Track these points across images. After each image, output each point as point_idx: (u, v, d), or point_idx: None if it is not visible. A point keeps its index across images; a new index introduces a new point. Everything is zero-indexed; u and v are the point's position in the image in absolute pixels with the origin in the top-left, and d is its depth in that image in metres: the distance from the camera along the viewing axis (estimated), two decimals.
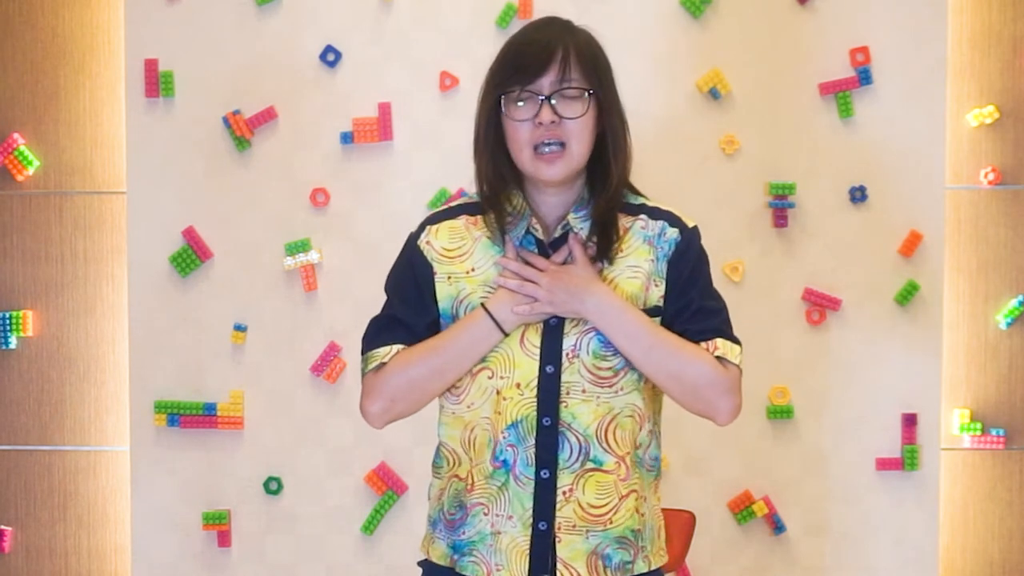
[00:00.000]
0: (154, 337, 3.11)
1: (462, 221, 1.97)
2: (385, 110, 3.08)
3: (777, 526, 3.10)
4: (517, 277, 1.89)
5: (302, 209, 3.10)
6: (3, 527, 3.24)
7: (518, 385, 1.89)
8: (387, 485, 3.11)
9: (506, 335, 1.89)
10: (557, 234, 1.93)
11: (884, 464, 3.09)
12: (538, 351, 1.89)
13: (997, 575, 3.22)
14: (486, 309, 1.89)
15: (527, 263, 1.91)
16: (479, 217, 1.96)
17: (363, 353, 1.97)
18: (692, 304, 1.92)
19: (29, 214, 3.23)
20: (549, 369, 1.88)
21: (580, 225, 1.92)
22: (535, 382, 1.88)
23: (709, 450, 3.10)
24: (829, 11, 3.07)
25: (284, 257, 3.10)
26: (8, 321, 3.19)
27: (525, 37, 1.91)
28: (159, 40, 3.09)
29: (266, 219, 3.10)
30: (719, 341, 1.92)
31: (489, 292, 1.91)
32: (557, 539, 1.88)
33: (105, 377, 3.22)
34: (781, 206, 3.07)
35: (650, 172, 3.00)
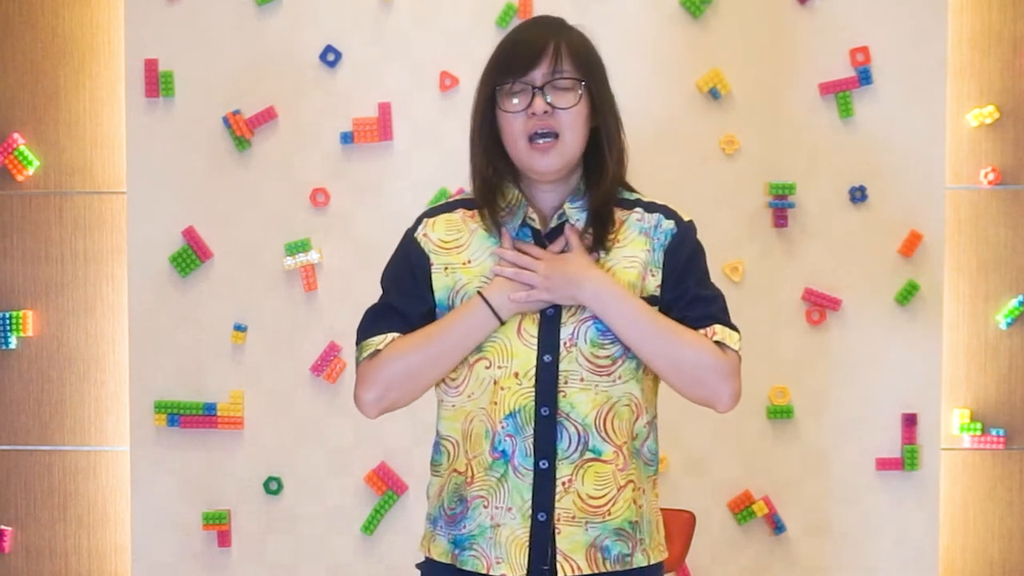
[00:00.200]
0: (154, 337, 3.11)
1: (459, 214, 1.99)
2: (385, 110, 3.08)
3: (777, 526, 3.10)
4: (514, 266, 1.91)
5: (302, 209, 3.10)
6: (3, 527, 3.24)
7: (516, 375, 1.89)
8: (387, 485, 3.11)
9: (502, 323, 1.89)
10: (553, 224, 1.95)
11: (884, 464, 3.09)
12: (535, 340, 1.89)
13: (997, 575, 3.22)
14: (482, 296, 1.90)
15: (524, 253, 1.92)
16: (476, 211, 1.98)
17: (358, 343, 1.97)
18: (689, 292, 1.93)
19: (29, 214, 3.23)
20: (547, 358, 1.89)
21: (577, 216, 1.94)
22: (533, 371, 1.88)
23: (709, 450, 3.10)
24: (829, 11, 3.07)
25: (284, 257, 3.10)
26: (8, 321, 3.19)
27: (518, 35, 1.94)
28: (159, 40, 3.09)
29: (266, 219, 3.10)
30: (717, 327, 1.93)
31: (486, 282, 1.92)
32: (556, 530, 1.88)
33: (105, 377, 3.22)
34: (781, 206, 3.07)
35: (650, 172, 3.01)
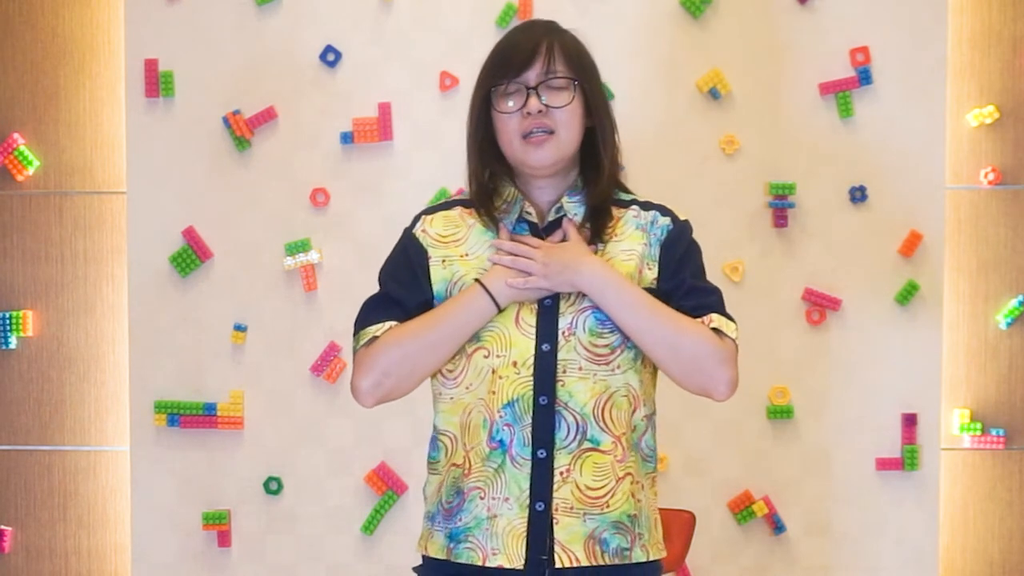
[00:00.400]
0: (154, 337, 3.11)
1: (457, 211, 2.01)
2: (385, 110, 3.08)
3: (777, 526, 3.10)
4: (511, 255, 1.92)
5: (302, 209, 3.10)
6: (3, 527, 3.24)
7: (514, 364, 1.89)
8: (387, 485, 3.11)
9: (500, 309, 1.90)
10: (551, 218, 1.97)
11: (884, 464, 3.09)
12: (534, 330, 1.90)
13: (997, 575, 3.22)
14: (480, 283, 1.90)
15: (522, 244, 1.94)
16: (473, 209, 2.00)
17: (355, 332, 1.97)
18: (685, 283, 1.94)
19: (29, 214, 3.23)
20: (545, 347, 1.89)
21: (575, 210, 1.96)
22: (531, 360, 1.89)
23: (709, 450, 3.10)
24: (829, 11, 3.07)
25: (284, 257, 3.10)
26: (8, 321, 3.19)
27: (511, 37, 1.97)
28: (159, 40, 3.09)
29: (266, 219, 3.10)
30: (714, 316, 1.94)
31: (484, 273, 1.94)
32: (555, 520, 1.88)
33: (105, 377, 3.22)
34: (781, 206, 3.07)
35: (650, 172, 3.02)
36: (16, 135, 3.20)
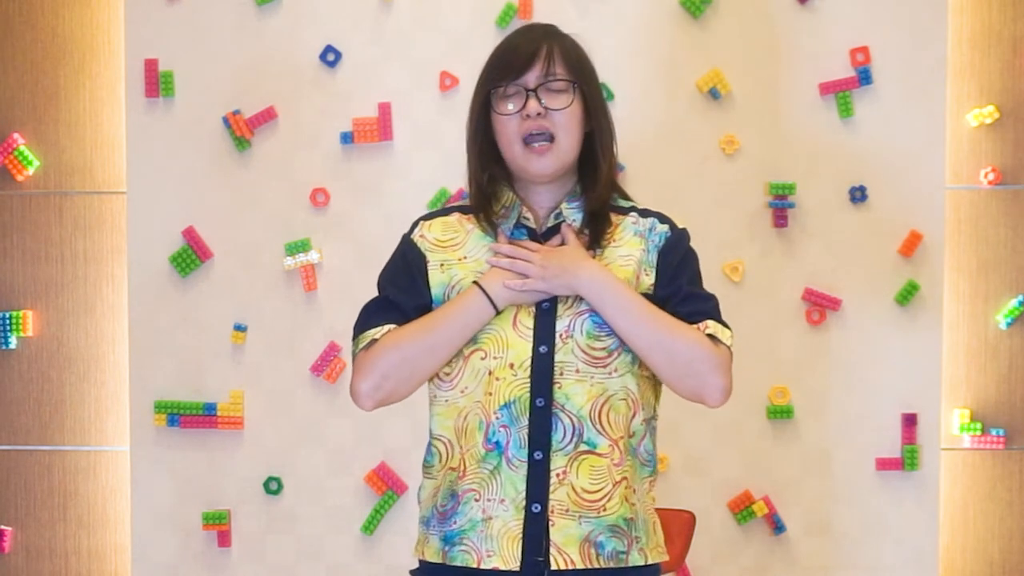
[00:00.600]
0: (154, 337, 3.11)
1: (455, 217, 2.02)
2: (385, 110, 3.08)
3: (777, 526, 3.10)
4: (510, 258, 1.93)
5: (302, 209, 3.10)
6: (3, 527, 3.24)
7: (511, 365, 1.89)
8: (387, 485, 3.11)
9: (498, 311, 1.90)
10: (550, 224, 1.97)
11: (884, 464, 3.09)
12: (531, 332, 1.90)
13: (997, 575, 3.22)
14: (478, 285, 1.91)
15: (520, 247, 1.94)
16: (472, 215, 2.00)
17: (355, 336, 1.98)
18: (682, 290, 1.95)
19: (29, 214, 3.23)
20: (543, 349, 1.89)
21: (573, 216, 1.96)
22: (528, 362, 1.89)
23: (709, 450, 3.10)
24: (829, 11, 3.07)
25: (284, 257, 3.10)
26: (8, 321, 3.19)
27: (511, 40, 1.97)
28: (159, 40, 3.09)
29: (266, 219, 3.10)
30: (710, 322, 1.94)
31: (482, 274, 1.94)
32: (550, 522, 1.88)
33: (105, 377, 3.22)
34: (781, 206, 3.07)
35: (650, 172, 3.02)
36: (16, 135, 3.20)
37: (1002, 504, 3.20)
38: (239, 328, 3.11)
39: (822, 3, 3.07)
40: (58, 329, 3.22)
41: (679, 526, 2.43)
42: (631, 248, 1.96)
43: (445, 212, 2.04)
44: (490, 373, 1.90)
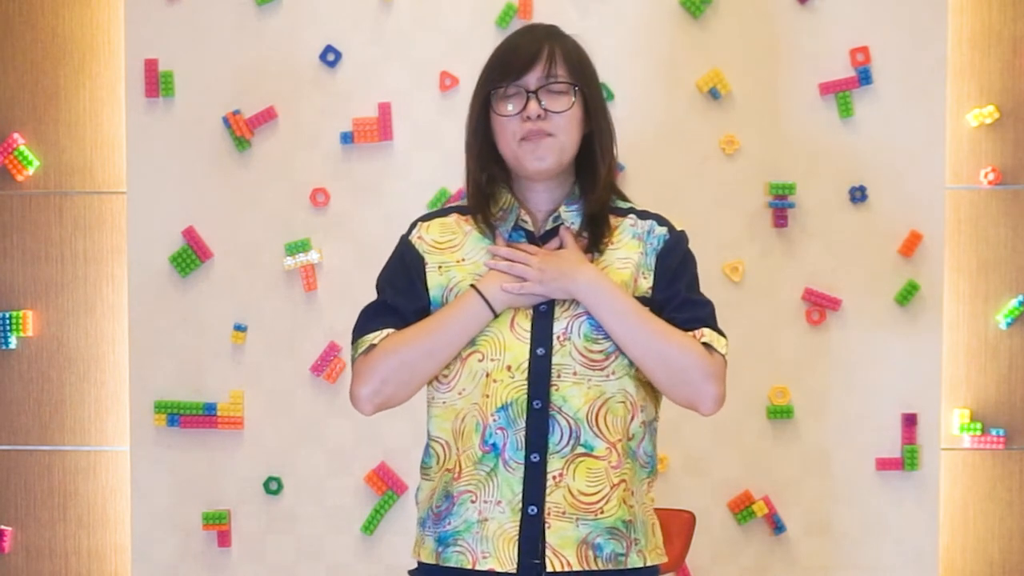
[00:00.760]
0: (154, 337, 3.11)
1: (453, 218, 2.01)
2: (385, 110, 3.08)
3: (777, 526, 3.10)
4: (507, 261, 1.92)
5: (302, 209, 3.10)
6: (3, 527, 3.24)
7: (509, 368, 1.89)
8: (387, 485, 3.11)
9: (496, 315, 1.90)
10: (548, 227, 1.96)
11: (884, 464, 3.09)
12: (529, 334, 1.90)
13: (997, 575, 3.22)
14: (475, 288, 1.90)
15: (518, 250, 1.94)
16: (470, 216, 2.00)
17: (353, 341, 1.98)
18: (679, 295, 1.94)
19: (29, 214, 3.23)
20: (540, 351, 1.89)
21: (572, 219, 1.96)
22: (526, 364, 1.89)
23: (709, 450, 3.10)
24: (829, 11, 3.07)
25: (284, 257, 3.10)
26: (8, 321, 3.19)
27: (512, 40, 1.97)
28: (159, 40, 3.09)
29: (266, 219, 3.10)
30: (706, 330, 1.94)
31: (480, 277, 1.94)
32: (547, 525, 1.88)
33: (105, 377, 3.22)
34: (781, 206, 3.07)
35: (650, 172, 3.02)
36: (16, 135, 3.20)
37: (1002, 504, 3.20)
38: (239, 328, 3.11)
39: (822, 3, 3.07)
40: (58, 329, 3.22)
41: (679, 526, 2.43)
42: (629, 251, 1.95)
43: (443, 213, 2.03)
44: (487, 375, 1.90)
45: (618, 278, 1.92)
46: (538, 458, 1.88)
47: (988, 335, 3.18)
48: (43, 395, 3.24)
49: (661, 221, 1.99)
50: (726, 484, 3.11)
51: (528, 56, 1.91)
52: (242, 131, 3.08)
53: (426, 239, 1.99)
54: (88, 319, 3.22)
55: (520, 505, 1.88)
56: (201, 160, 3.10)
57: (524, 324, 1.91)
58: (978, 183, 3.17)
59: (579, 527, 1.88)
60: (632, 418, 1.93)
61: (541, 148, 1.91)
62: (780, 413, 3.09)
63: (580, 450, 1.89)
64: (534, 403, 1.88)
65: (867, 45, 3.06)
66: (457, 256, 1.97)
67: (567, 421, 1.89)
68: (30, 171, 3.20)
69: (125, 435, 3.18)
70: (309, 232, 3.10)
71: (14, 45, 3.21)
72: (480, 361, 1.91)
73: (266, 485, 3.12)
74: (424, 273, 1.97)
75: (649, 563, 1.95)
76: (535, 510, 1.87)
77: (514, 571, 1.87)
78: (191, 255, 3.10)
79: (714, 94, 3.07)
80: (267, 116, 3.08)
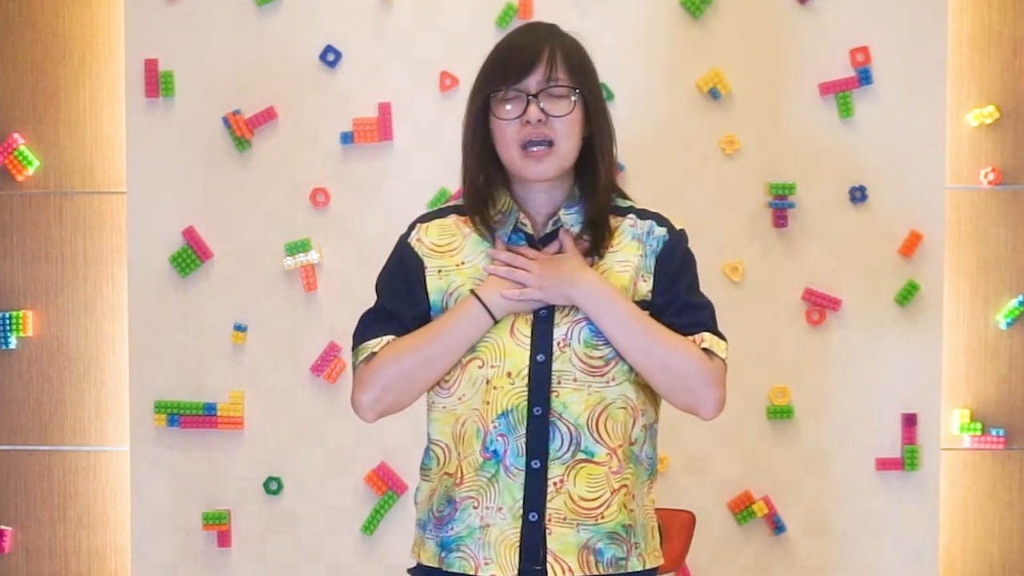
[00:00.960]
0: (154, 337, 3.11)
1: (452, 219, 1.99)
2: (385, 110, 3.08)
3: (777, 526, 3.10)
4: (507, 266, 1.91)
5: (302, 209, 3.10)
6: (3, 527, 3.24)
7: (509, 374, 1.89)
8: (387, 485, 3.11)
9: (496, 321, 1.89)
10: (548, 230, 1.95)
11: (884, 464, 3.09)
12: (529, 340, 1.89)
13: (997, 575, 3.22)
14: (475, 295, 1.90)
15: (518, 254, 1.92)
16: (469, 217, 1.98)
17: (354, 347, 1.97)
18: (679, 299, 1.93)
19: (29, 214, 3.23)
20: (540, 358, 1.88)
21: (572, 222, 1.94)
22: (526, 371, 1.88)
23: (709, 450, 3.10)
24: (829, 11, 3.07)
25: (284, 257, 3.10)
26: (8, 321, 3.19)
27: (512, 40, 1.94)
28: (159, 40, 3.09)
29: (266, 219, 3.10)
30: (706, 335, 1.93)
31: (479, 283, 1.92)
32: (547, 531, 1.88)
33: (105, 377, 3.22)
34: (781, 206, 3.07)
35: (650, 172, 3.02)
36: (16, 135, 3.20)
37: (1002, 504, 3.20)
38: (239, 328, 3.11)
39: (822, 3, 3.07)
40: (58, 329, 3.22)
41: (679, 526, 2.43)
42: (628, 253, 1.94)
43: (442, 214, 2.01)
44: (488, 382, 1.90)
45: (618, 282, 1.91)
46: (539, 464, 1.88)
47: (988, 335, 3.18)
48: (43, 395, 3.24)
49: (660, 221, 1.98)
50: (726, 484, 3.11)
51: (528, 58, 1.89)
52: (242, 131, 3.08)
53: (425, 242, 1.98)
54: (88, 319, 3.22)
55: (521, 512, 1.88)
56: (201, 160, 3.10)
57: (524, 330, 1.90)
58: (978, 183, 3.17)
59: (580, 532, 1.89)
60: (633, 423, 1.93)
61: (543, 163, 1.89)
62: (780, 413, 3.09)
63: (581, 456, 1.89)
64: (534, 410, 1.88)
65: (867, 45, 3.06)
66: (457, 260, 1.96)
67: (567, 427, 1.88)
68: (30, 171, 3.20)
69: (125, 435, 3.18)
70: (309, 232, 3.10)
71: (14, 45, 3.21)
72: (480, 368, 1.90)
73: (266, 485, 3.12)
74: (423, 277, 1.96)
75: (648, 566, 1.95)
76: (535, 517, 1.87)
77: None
78: (191, 255, 3.10)
79: (714, 94, 3.07)
80: (267, 116, 3.08)
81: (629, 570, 1.92)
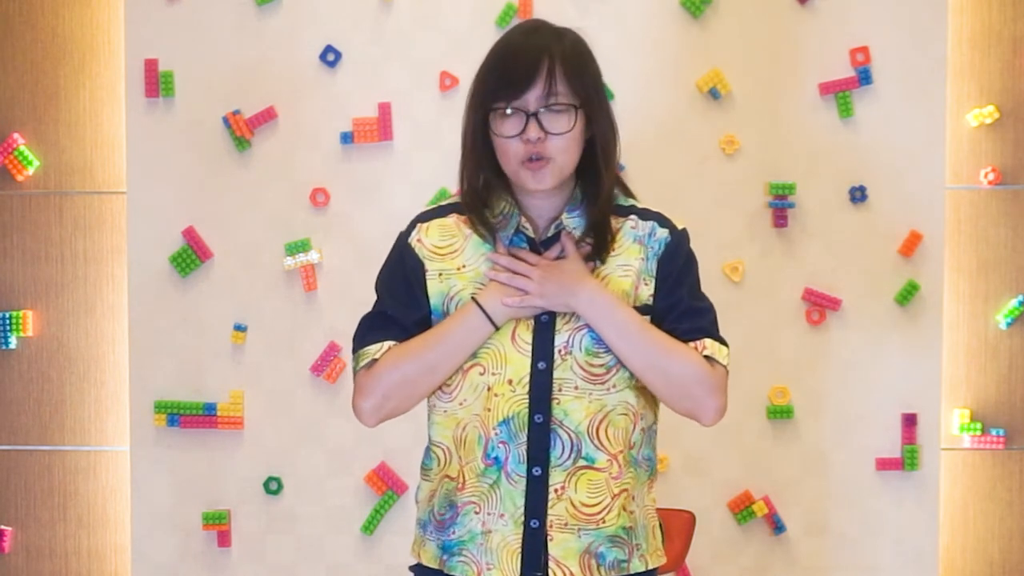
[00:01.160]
0: (154, 337, 3.11)
1: (452, 219, 1.97)
2: (385, 110, 3.08)
3: (777, 526, 3.10)
4: (508, 271, 1.89)
5: (302, 209, 3.10)
6: (3, 527, 3.24)
7: (510, 381, 1.88)
8: (387, 485, 3.11)
9: (496, 328, 1.88)
10: (550, 234, 1.93)
11: (884, 464, 3.09)
12: (530, 347, 1.88)
13: (997, 575, 3.22)
14: (476, 302, 1.89)
15: (519, 259, 1.91)
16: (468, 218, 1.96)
17: (354, 351, 1.96)
18: (681, 303, 1.92)
19: (29, 214, 3.23)
20: (541, 365, 1.88)
21: (574, 225, 1.92)
22: (527, 378, 1.88)
23: (709, 450, 3.10)
24: (829, 11, 3.07)
25: (284, 257, 3.10)
26: (8, 321, 3.19)
27: (510, 47, 1.89)
28: (159, 40, 3.09)
29: (266, 219, 3.10)
30: (707, 341, 1.92)
31: (480, 287, 1.91)
32: (549, 537, 1.88)
33: (105, 377, 3.22)
34: (781, 206, 3.07)
35: (650, 172, 3.02)
36: (16, 135, 3.20)
37: (1002, 504, 3.21)
38: (239, 328, 3.11)
39: (822, 3, 3.07)
40: (58, 329, 3.22)
41: (679, 526, 2.43)
42: (629, 257, 1.93)
43: (442, 213, 1.99)
44: (489, 389, 1.89)
45: (619, 287, 1.90)
46: (540, 471, 1.87)
47: (988, 335, 3.18)
48: (43, 395, 3.24)
49: (662, 222, 1.96)
50: (726, 484, 3.11)
51: (527, 72, 1.84)
52: (242, 131, 3.08)
53: (426, 243, 1.96)
54: (88, 319, 3.22)
55: (522, 518, 1.87)
56: (201, 160, 3.10)
57: (525, 336, 1.89)
58: (978, 183, 3.17)
59: (581, 537, 1.89)
60: (634, 428, 1.92)
61: (542, 173, 1.87)
62: (780, 413, 3.09)
63: (581, 463, 1.88)
64: (535, 417, 1.87)
65: (867, 45, 3.06)
66: (457, 263, 1.94)
67: (568, 435, 1.88)
68: (30, 171, 3.20)
69: (125, 435, 3.18)
70: (309, 232, 3.10)
71: (14, 45, 3.21)
72: (481, 374, 1.90)
73: (266, 485, 3.12)
74: (424, 280, 1.94)
75: (651, 566, 1.95)
76: (537, 523, 1.87)
77: None
78: (191, 255, 3.10)
79: (714, 94, 3.07)
80: (267, 116, 3.08)
81: (632, 572, 1.92)
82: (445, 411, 1.93)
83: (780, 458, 3.11)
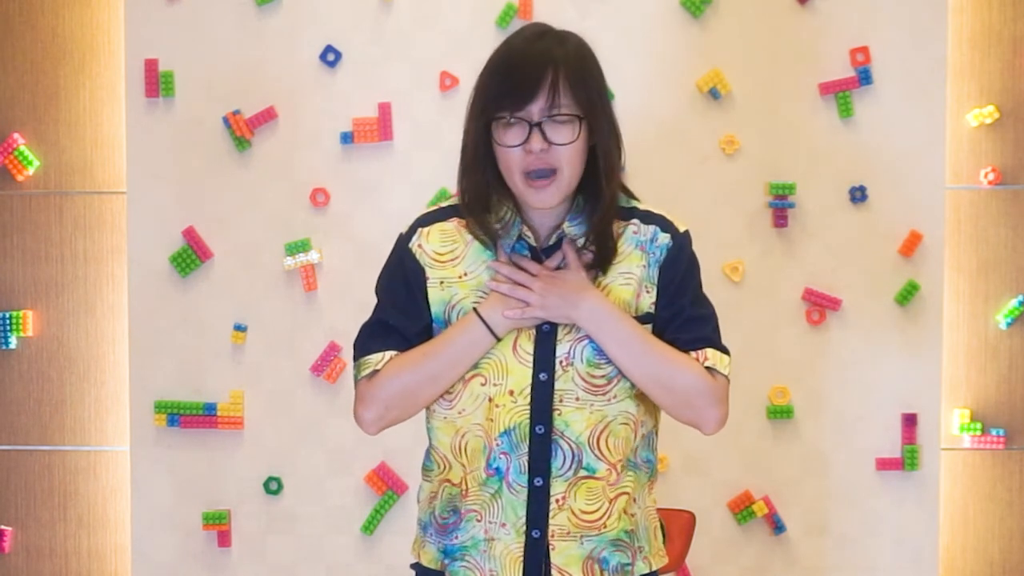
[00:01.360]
0: (154, 337, 3.11)
1: (453, 224, 1.95)
2: (385, 110, 3.08)
3: (777, 526, 3.10)
4: (509, 281, 1.88)
5: (302, 209, 3.10)
6: (3, 527, 3.24)
7: (511, 392, 1.88)
8: (387, 485, 3.11)
9: (498, 339, 1.88)
10: (551, 242, 1.92)
11: (884, 464, 3.09)
12: (531, 358, 1.88)
13: (997, 575, 3.22)
14: (478, 313, 1.88)
15: (520, 268, 1.89)
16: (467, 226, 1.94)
17: (355, 360, 1.96)
18: (683, 312, 1.91)
19: (29, 214, 3.23)
20: (543, 376, 1.87)
21: (576, 234, 1.91)
22: (528, 389, 1.87)
23: (709, 450, 3.10)
24: (829, 11, 3.07)
25: (284, 257, 3.10)
26: (8, 321, 3.19)
27: (513, 56, 1.86)
28: (159, 40, 3.09)
29: (266, 219, 3.10)
30: (709, 351, 1.91)
31: (482, 296, 1.90)
32: (551, 546, 1.88)
33: (105, 377, 3.22)
34: (781, 206, 3.07)
35: (650, 172, 3.02)
36: (16, 135, 3.20)
37: (1002, 504, 3.20)
38: (239, 328, 3.11)
39: (822, 3, 3.07)
40: (58, 329, 3.22)
41: (679, 526, 2.43)
42: (631, 264, 1.91)
43: (443, 216, 1.96)
44: (490, 399, 1.89)
45: (621, 295, 1.89)
46: (541, 482, 1.87)
47: (988, 335, 3.18)
48: (43, 395, 3.24)
49: (664, 226, 1.94)
50: (726, 484, 3.11)
51: (531, 82, 1.82)
52: (242, 131, 3.08)
53: (426, 249, 1.94)
54: (88, 319, 3.22)
55: (524, 528, 1.88)
56: (201, 160, 3.10)
57: (527, 347, 1.88)
58: (978, 183, 3.17)
59: (583, 544, 1.89)
60: (635, 435, 1.92)
61: (546, 191, 1.85)
62: (780, 413, 3.09)
63: (582, 473, 1.88)
64: (536, 428, 1.87)
65: (867, 45, 3.06)
66: (459, 271, 1.93)
67: (569, 445, 1.88)
68: (30, 171, 3.20)
69: (125, 435, 3.18)
70: (309, 232, 3.10)
71: (14, 45, 3.21)
72: (483, 385, 1.89)
73: (266, 485, 3.12)
74: (425, 286, 1.93)
75: (654, 567, 1.96)
76: (538, 533, 1.87)
77: None
78: (191, 255, 3.10)
79: (714, 94, 3.07)
80: (267, 116, 3.08)
81: (636, 574, 1.92)
82: (444, 417, 1.93)
83: (780, 458, 3.11)
